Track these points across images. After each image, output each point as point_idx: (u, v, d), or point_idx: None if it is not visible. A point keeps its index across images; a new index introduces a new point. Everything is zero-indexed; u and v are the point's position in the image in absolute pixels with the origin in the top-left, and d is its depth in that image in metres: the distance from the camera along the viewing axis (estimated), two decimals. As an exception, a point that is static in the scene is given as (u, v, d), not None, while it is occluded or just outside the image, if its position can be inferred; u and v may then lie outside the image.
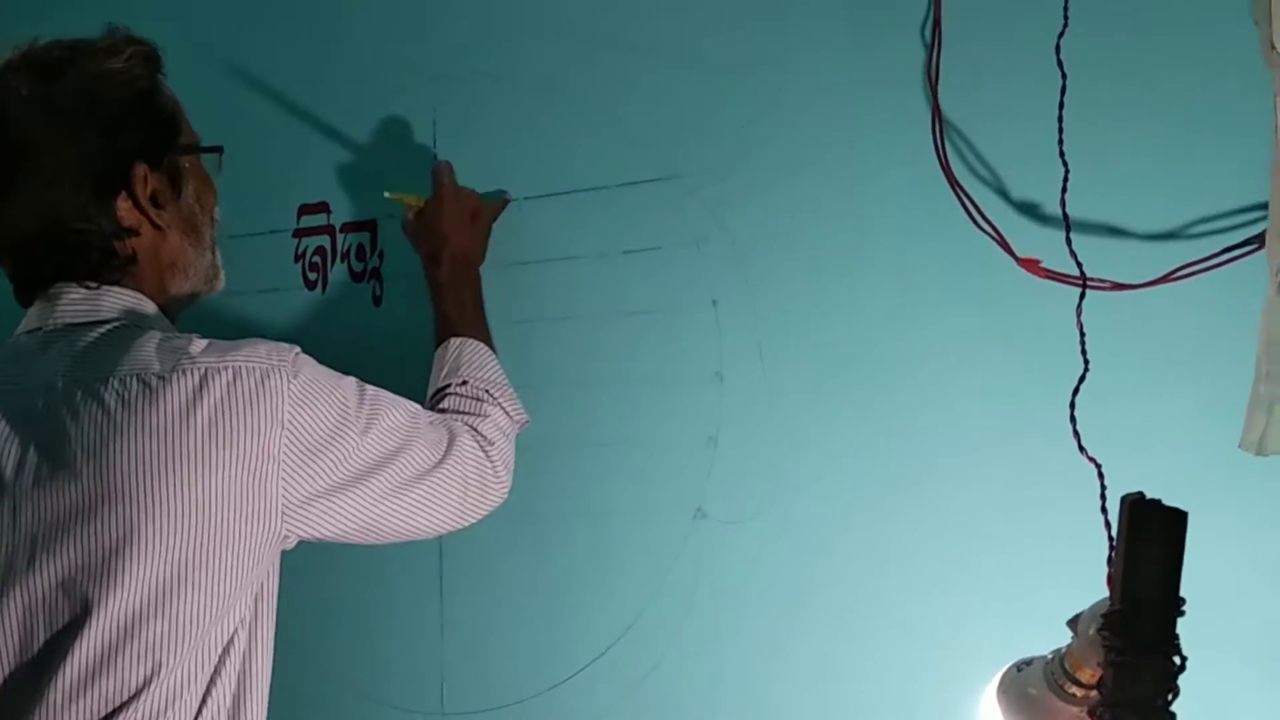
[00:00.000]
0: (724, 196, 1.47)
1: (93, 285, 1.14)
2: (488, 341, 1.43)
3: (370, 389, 1.19)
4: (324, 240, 1.72)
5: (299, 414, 1.06)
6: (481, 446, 1.28)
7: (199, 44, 1.76)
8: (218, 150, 1.28)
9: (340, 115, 1.72)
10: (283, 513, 1.06)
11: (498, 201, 1.56)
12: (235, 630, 1.06)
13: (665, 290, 1.50)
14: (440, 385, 1.37)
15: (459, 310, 1.45)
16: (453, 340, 1.41)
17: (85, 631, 0.97)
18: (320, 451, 1.08)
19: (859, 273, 1.40)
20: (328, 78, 1.74)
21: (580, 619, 1.51)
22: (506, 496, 1.33)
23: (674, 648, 1.46)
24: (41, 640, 0.99)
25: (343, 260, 1.70)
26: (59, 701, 0.97)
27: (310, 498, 1.08)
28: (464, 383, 1.35)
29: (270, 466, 1.04)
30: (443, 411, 1.32)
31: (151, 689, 0.99)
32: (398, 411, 1.20)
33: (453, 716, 1.57)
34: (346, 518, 1.13)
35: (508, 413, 1.36)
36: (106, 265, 1.15)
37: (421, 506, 1.20)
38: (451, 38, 1.66)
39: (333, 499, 1.11)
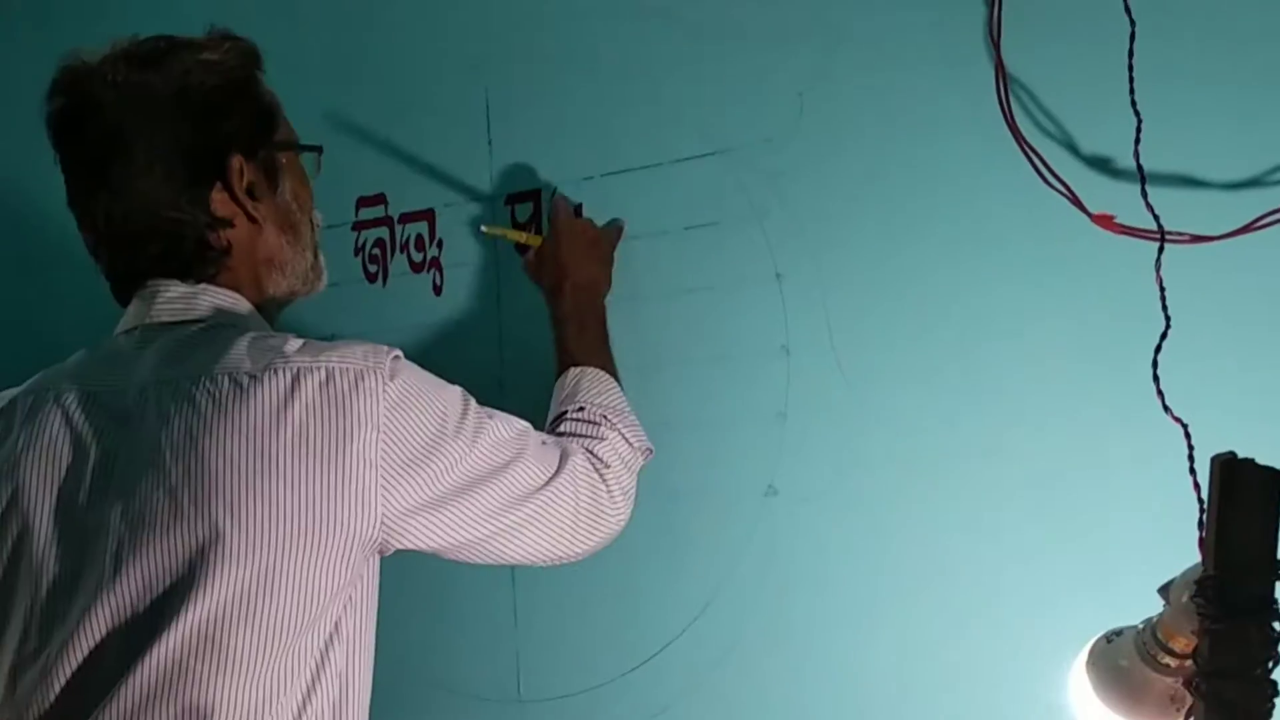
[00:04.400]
0: (782, 167, 1.44)
1: (190, 283, 1.13)
2: (610, 369, 1.38)
3: (475, 402, 1.15)
4: (383, 232, 1.71)
5: (396, 418, 1.03)
6: (596, 468, 1.22)
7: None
8: (317, 150, 1.26)
9: (393, 104, 1.70)
10: (381, 522, 1.02)
11: (614, 229, 1.52)
12: (329, 640, 1.03)
13: (727, 265, 1.47)
14: (557, 413, 1.31)
15: (579, 339, 1.39)
16: (571, 370, 1.35)
17: (165, 635, 0.96)
18: (421, 461, 1.04)
19: (926, 238, 1.36)
20: (377, 67, 1.73)
21: (654, 603, 1.49)
22: (621, 529, 1.26)
23: (750, 629, 1.44)
24: (125, 643, 0.98)
25: (402, 251, 1.69)
26: (136, 702, 0.96)
27: (411, 509, 1.04)
28: (580, 408, 1.29)
29: (369, 473, 1.00)
30: (558, 435, 1.27)
31: (235, 698, 0.98)
32: (506, 426, 1.15)
33: (529, 703, 1.56)
34: (448, 532, 1.08)
35: (628, 440, 1.29)
36: (201, 259, 1.13)
37: (528, 527, 1.15)
38: (499, 20, 1.63)
39: (434, 512, 1.06)
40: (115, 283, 1.17)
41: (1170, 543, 0.93)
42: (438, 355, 1.61)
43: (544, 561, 1.20)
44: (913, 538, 1.35)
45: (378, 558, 1.10)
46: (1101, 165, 1.27)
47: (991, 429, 1.31)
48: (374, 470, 1.01)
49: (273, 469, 0.98)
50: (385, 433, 1.02)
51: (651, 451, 1.35)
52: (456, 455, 1.08)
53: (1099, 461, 1.25)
